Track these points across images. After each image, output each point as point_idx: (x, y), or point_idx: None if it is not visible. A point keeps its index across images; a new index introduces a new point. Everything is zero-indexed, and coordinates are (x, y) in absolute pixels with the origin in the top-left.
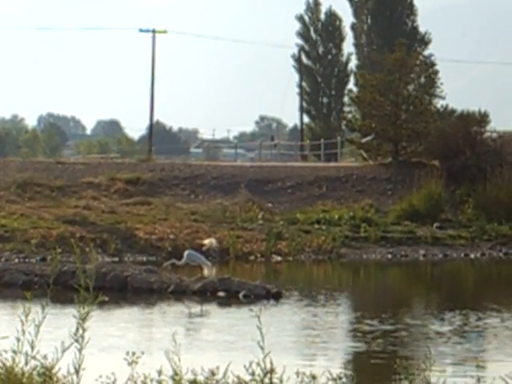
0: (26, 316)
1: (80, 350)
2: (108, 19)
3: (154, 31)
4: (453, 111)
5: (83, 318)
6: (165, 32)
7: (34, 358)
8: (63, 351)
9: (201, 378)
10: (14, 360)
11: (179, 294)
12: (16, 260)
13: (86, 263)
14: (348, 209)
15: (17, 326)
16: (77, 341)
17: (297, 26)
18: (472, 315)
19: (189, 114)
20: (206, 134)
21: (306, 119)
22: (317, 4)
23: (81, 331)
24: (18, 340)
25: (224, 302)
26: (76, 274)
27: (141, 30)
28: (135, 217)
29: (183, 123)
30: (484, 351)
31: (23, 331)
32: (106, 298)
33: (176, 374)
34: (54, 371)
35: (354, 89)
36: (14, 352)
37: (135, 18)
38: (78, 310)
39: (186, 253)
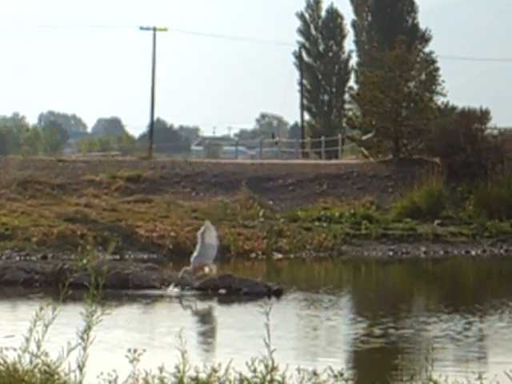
0: (37, 316)
1: (84, 348)
2: (108, 17)
3: (154, 29)
4: (454, 108)
5: (90, 316)
6: (165, 30)
7: (36, 356)
8: (69, 350)
9: (203, 375)
10: (19, 358)
11: (180, 291)
12: (17, 258)
13: (89, 261)
14: (349, 206)
15: (20, 324)
16: (81, 338)
17: (297, 23)
18: (474, 314)
19: (189, 111)
20: (206, 131)
21: (306, 117)
22: (317, 2)
23: (86, 329)
24: (26, 339)
25: (225, 300)
26: (76, 271)
27: (141, 28)
28: (136, 214)
29: (184, 121)
30: (486, 351)
31: (30, 330)
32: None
33: (178, 371)
34: (55, 368)
35: (355, 86)
36: (14, 350)
37: (136, 15)
38: (85, 309)
39: (192, 258)
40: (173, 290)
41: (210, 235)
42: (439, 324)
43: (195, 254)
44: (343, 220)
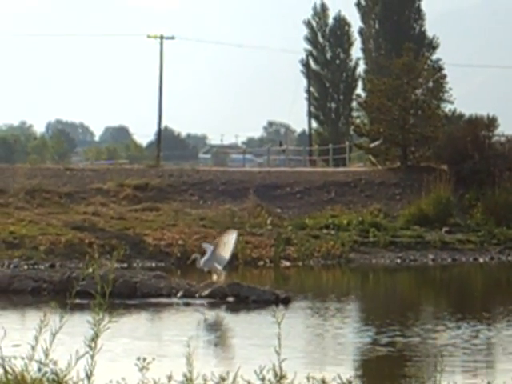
0: (42, 322)
1: (92, 357)
2: (116, 26)
3: (161, 37)
4: (461, 115)
5: (97, 325)
6: (173, 38)
7: (44, 364)
8: (78, 359)
9: None
10: (26, 366)
11: (188, 299)
12: (25, 267)
13: (95, 270)
14: (357, 214)
15: (28, 333)
16: (89, 346)
17: (305, 31)
18: (482, 322)
19: (197, 119)
20: (214, 139)
21: (314, 124)
22: (324, 9)
23: (94, 337)
24: (33, 347)
25: (233, 308)
26: (84, 280)
27: (149, 37)
28: (144, 223)
29: (191, 129)
30: (494, 359)
31: (37, 338)
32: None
33: (186, 379)
34: (63, 376)
35: (362, 94)
36: (22, 358)
37: (143, 24)
38: (92, 317)
39: (202, 260)
40: (181, 299)
41: (227, 241)
42: (447, 332)
43: (205, 257)
44: (351, 228)
